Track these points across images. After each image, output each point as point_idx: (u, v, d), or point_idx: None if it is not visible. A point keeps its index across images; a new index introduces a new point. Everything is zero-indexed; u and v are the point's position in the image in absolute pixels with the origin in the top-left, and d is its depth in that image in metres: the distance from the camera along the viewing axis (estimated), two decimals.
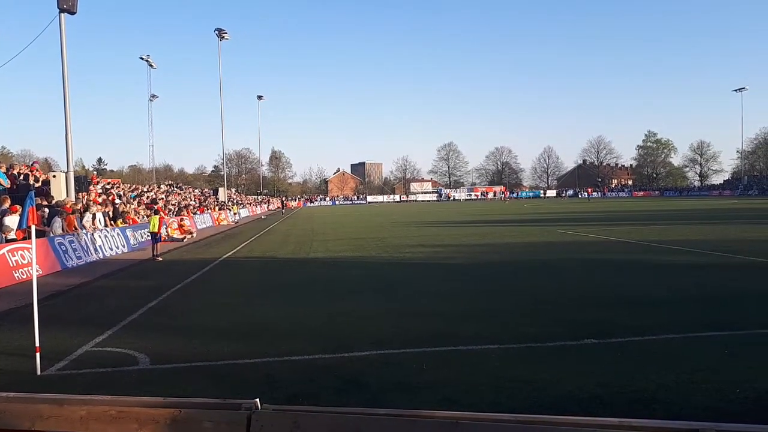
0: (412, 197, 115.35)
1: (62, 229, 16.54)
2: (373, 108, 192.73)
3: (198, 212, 37.56)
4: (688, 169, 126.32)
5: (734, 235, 19.96)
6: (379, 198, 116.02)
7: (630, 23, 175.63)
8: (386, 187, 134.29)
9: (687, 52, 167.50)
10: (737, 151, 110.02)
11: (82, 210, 19.03)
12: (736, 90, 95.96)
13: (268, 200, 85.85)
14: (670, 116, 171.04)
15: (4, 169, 19.00)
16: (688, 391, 4.96)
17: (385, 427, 1.79)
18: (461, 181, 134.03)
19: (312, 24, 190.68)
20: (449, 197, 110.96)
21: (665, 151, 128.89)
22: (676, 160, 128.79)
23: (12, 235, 14.22)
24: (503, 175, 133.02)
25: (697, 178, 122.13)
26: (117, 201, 26.33)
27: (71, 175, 20.56)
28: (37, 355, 6.07)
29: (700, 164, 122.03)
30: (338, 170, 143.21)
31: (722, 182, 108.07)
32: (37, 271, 8.31)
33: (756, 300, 8.85)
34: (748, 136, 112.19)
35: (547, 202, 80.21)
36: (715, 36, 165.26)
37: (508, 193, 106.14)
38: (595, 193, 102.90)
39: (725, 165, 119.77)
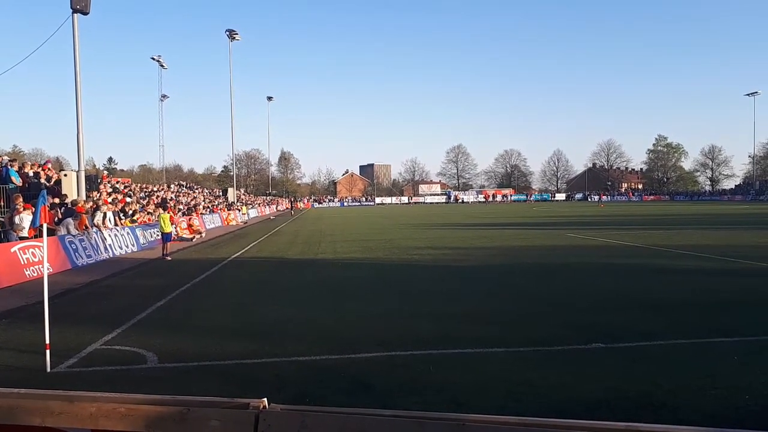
0: (420, 199, 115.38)
1: (75, 228, 16.66)
2: (382, 109, 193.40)
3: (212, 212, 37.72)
4: (699, 173, 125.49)
5: (746, 241, 19.78)
6: (388, 200, 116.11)
7: (641, 27, 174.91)
8: (395, 189, 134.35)
9: (698, 55, 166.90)
10: (749, 156, 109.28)
11: (92, 209, 19.18)
12: (748, 94, 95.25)
13: (277, 201, 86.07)
14: (680, 120, 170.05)
15: (16, 168, 19.16)
16: (696, 397, 4.93)
17: (392, 428, 1.80)
18: (470, 183, 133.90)
19: (322, 25, 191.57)
20: (457, 199, 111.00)
21: (676, 155, 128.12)
22: (686, 164, 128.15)
23: (24, 233, 14.35)
24: (512, 177, 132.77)
25: (708, 182, 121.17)
26: (128, 200, 26.51)
27: (82, 174, 20.73)
28: (47, 352, 6.13)
29: (712, 169, 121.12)
30: (347, 171, 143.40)
31: (734, 187, 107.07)
32: (48, 269, 8.38)
33: (767, 307, 8.77)
34: (760, 141, 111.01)
35: (556, 206, 79.85)
36: (726, 39, 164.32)
37: (489, 195, 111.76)
38: (604, 197, 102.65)
39: (737, 170, 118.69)
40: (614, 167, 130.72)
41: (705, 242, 19.27)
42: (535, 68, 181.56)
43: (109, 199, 23.60)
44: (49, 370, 6.02)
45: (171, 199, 34.80)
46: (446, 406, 4.81)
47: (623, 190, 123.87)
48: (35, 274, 13.14)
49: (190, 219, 28.39)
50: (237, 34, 53.98)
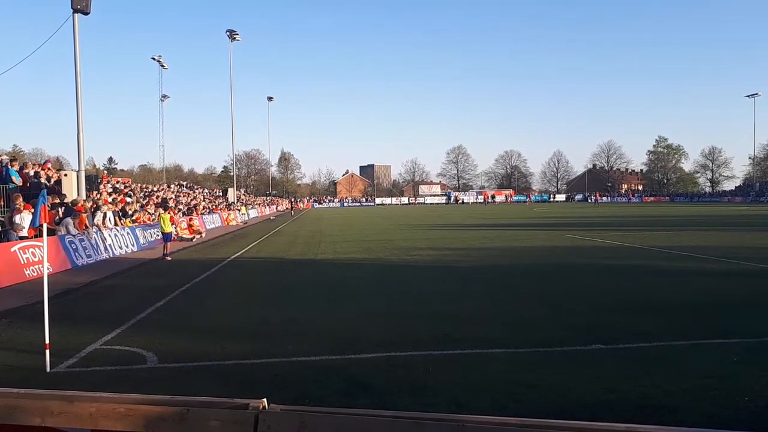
0: (420, 200, 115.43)
1: (74, 228, 16.65)
2: (382, 110, 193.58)
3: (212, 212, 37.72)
4: (699, 175, 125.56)
5: (746, 242, 19.77)
6: (388, 200, 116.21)
7: (641, 28, 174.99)
8: (395, 190, 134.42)
9: (698, 56, 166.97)
10: (749, 158, 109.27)
11: (92, 209, 19.18)
12: (748, 96, 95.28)
13: (277, 201, 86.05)
14: (681, 121, 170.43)
15: (16, 168, 19.15)
16: (695, 398, 4.93)
17: (391, 429, 1.80)
18: (470, 184, 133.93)
19: (322, 26, 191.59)
20: (457, 200, 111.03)
21: (676, 156, 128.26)
22: (687, 165, 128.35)
23: (24, 233, 14.35)
24: (512, 178, 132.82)
25: (708, 184, 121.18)
26: (128, 200, 26.51)
27: (82, 174, 20.73)
28: (47, 352, 6.12)
29: (712, 170, 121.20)
30: (347, 172, 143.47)
31: (734, 188, 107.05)
32: (48, 269, 8.38)
33: (766, 308, 8.77)
34: (760, 142, 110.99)
35: (556, 207, 79.88)
36: (727, 40, 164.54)
37: (489, 196, 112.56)
38: (604, 198, 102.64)
39: (737, 171, 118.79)
40: (614, 168, 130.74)
41: (705, 243, 19.25)
42: (535, 69, 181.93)
43: (110, 199, 23.60)
44: (48, 370, 6.02)
45: (171, 199, 34.80)
46: (446, 406, 4.80)
47: (623, 191, 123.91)
48: (35, 274, 13.14)
49: (190, 219, 28.39)
50: (237, 34, 54.04)
